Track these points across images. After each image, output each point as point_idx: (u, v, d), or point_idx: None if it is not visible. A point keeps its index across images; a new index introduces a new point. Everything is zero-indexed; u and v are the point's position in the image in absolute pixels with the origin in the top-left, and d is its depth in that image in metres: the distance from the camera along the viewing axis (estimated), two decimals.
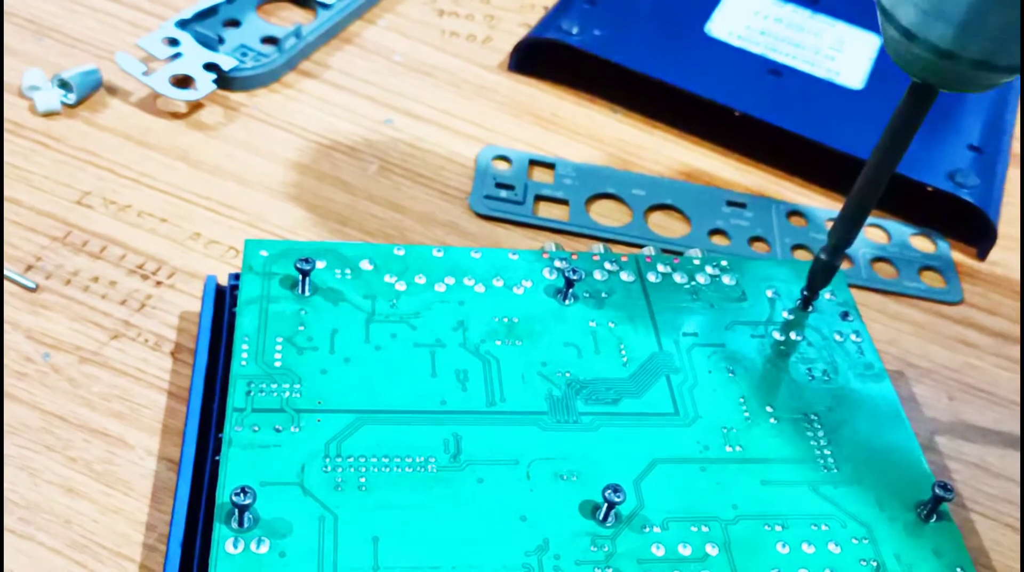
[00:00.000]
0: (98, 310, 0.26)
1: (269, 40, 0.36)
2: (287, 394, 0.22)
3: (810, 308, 0.27)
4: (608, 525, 0.21)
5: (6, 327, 0.26)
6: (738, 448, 0.23)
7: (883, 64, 0.39)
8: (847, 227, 0.25)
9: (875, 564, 0.21)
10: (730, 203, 0.34)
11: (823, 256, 0.26)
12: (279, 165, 0.32)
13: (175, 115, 0.33)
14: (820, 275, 0.26)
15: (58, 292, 0.27)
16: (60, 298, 0.27)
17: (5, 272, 0.26)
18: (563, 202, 0.33)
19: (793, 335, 0.26)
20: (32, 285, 0.26)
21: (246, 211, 0.30)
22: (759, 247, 0.33)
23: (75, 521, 0.22)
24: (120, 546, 0.22)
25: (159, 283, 0.27)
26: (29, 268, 0.27)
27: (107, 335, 0.26)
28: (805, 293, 0.27)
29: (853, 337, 0.26)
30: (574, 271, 0.25)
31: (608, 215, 0.33)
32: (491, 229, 0.31)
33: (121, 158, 0.31)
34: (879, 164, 0.24)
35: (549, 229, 0.32)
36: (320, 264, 0.25)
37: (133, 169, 0.31)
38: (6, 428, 0.24)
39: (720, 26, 0.39)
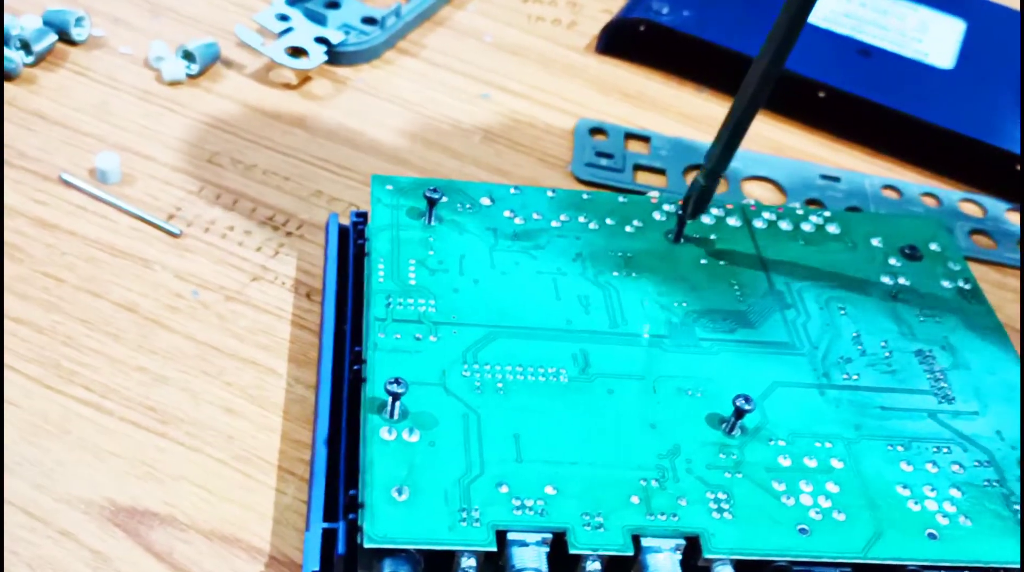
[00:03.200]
0: (236, 255, 0.30)
1: (368, 20, 0.40)
2: (423, 309, 0.26)
3: (919, 257, 0.30)
4: (734, 436, 0.24)
5: (155, 266, 0.29)
6: (855, 377, 0.26)
7: (971, 46, 0.42)
8: (723, 151, 0.27)
9: (997, 483, 0.24)
10: (824, 177, 0.37)
11: (701, 180, 0.28)
12: (388, 133, 0.35)
13: (287, 86, 0.36)
14: (699, 199, 0.28)
15: (199, 238, 0.30)
16: (202, 244, 0.30)
17: (151, 218, 0.30)
18: (660, 171, 0.36)
19: (902, 280, 0.29)
20: (177, 231, 0.30)
21: (362, 172, 0.34)
22: None
23: (237, 437, 0.25)
24: (280, 460, 0.25)
25: (289, 233, 0.31)
26: (171, 217, 0.31)
27: (247, 277, 0.29)
28: (680, 214, 0.29)
29: (962, 283, 0.29)
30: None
31: None
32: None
33: (242, 123, 0.35)
34: (762, 78, 0.26)
35: None
36: (443, 199, 0.29)
37: (255, 133, 0.34)
38: (164, 354, 0.27)
39: None
